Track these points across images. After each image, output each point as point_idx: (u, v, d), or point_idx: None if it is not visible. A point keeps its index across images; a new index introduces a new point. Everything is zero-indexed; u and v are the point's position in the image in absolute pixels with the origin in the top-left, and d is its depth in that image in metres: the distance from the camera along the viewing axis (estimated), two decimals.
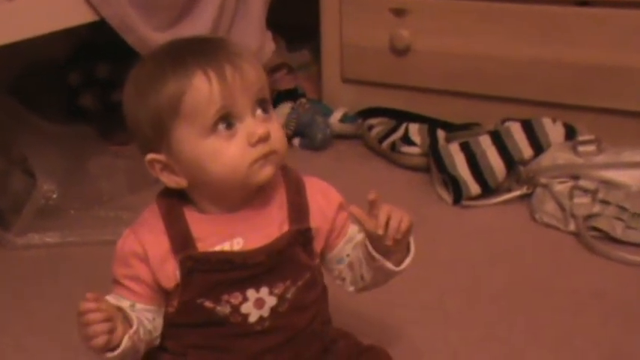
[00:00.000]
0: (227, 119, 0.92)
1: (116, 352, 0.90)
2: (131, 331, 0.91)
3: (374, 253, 0.97)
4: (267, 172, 0.94)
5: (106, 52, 2.09)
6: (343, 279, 1.06)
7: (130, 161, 1.77)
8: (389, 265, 0.98)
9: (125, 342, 0.90)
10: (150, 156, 0.95)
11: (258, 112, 0.94)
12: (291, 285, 0.98)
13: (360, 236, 1.02)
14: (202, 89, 0.90)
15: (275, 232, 0.97)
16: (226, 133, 0.92)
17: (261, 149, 0.93)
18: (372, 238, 0.97)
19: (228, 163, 0.92)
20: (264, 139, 0.92)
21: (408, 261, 1.00)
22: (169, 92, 0.91)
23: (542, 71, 1.82)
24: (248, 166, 0.93)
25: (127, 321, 0.93)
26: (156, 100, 0.92)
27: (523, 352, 1.22)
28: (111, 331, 0.89)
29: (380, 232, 0.94)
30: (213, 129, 0.92)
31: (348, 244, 1.04)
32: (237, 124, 0.92)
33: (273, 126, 0.94)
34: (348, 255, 1.04)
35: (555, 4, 1.78)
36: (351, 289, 1.06)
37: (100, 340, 0.88)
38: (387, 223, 0.94)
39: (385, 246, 0.96)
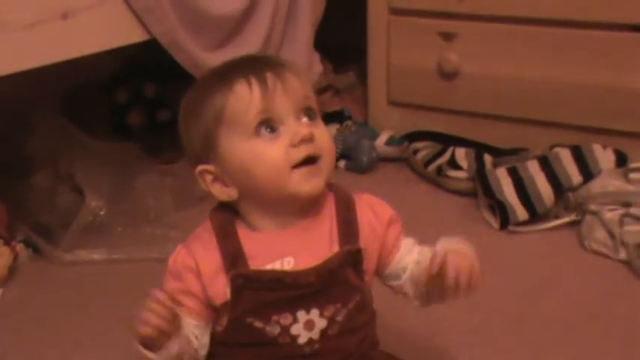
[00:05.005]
0: (269, 123, 0.93)
1: (157, 356, 0.92)
2: (179, 337, 0.92)
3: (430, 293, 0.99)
4: (312, 184, 0.94)
5: (153, 71, 2.12)
6: (405, 293, 1.04)
7: (176, 179, 1.79)
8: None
9: (171, 346, 0.91)
10: (200, 167, 0.96)
11: (304, 119, 0.95)
12: (341, 307, 0.97)
13: (416, 249, 1.02)
14: (243, 94, 0.92)
15: (326, 251, 0.96)
16: (269, 136, 0.93)
17: (305, 150, 0.93)
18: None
19: (270, 164, 0.92)
20: (308, 139, 0.92)
21: None
22: (214, 103, 0.94)
23: (592, 96, 1.80)
24: (291, 170, 0.92)
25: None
26: (203, 113, 0.94)
27: None
28: (162, 334, 0.90)
29: (450, 286, 0.94)
30: (256, 132, 0.93)
31: (404, 258, 1.02)
32: (281, 127, 0.93)
33: (319, 130, 0.95)
34: (405, 270, 1.02)
35: (607, 29, 1.75)
36: (417, 303, 1.04)
37: (147, 330, 0.89)
38: (456, 279, 0.93)
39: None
